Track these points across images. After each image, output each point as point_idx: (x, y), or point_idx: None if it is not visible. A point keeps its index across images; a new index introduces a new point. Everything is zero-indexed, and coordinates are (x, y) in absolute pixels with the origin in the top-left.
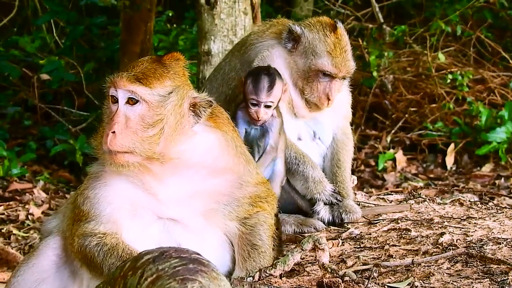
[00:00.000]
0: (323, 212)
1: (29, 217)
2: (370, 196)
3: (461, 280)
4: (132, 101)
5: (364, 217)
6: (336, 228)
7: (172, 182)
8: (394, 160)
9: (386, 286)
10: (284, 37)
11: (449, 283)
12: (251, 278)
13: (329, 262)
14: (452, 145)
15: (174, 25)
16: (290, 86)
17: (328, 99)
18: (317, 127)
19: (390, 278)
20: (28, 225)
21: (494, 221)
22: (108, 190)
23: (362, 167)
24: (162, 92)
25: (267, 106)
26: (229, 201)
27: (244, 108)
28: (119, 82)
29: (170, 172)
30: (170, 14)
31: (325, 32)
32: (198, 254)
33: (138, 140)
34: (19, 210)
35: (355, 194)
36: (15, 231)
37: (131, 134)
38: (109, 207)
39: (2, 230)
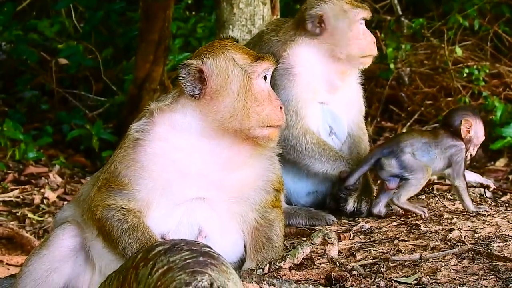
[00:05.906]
0: (351, 202)
1: (44, 201)
2: None
3: (467, 277)
4: (265, 78)
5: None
6: (347, 221)
7: (223, 159)
8: None
9: (393, 281)
10: (309, 27)
11: (455, 279)
12: (260, 270)
13: (339, 255)
14: None
15: (193, 13)
16: (317, 71)
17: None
18: (334, 123)
19: (398, 273)
20: (43, 209)
21: (503, 218)
22: (156, 162)
23: None
24: None
25: None
26: (260, 187)
27: None
28: (273, 61)
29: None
30: (189, 1)
31: None
32: (209, 247)
33: None
34: (35, 194)
35: None
36: (30, 215)
37: None
38: (151, 184)
39: (17, 214)
